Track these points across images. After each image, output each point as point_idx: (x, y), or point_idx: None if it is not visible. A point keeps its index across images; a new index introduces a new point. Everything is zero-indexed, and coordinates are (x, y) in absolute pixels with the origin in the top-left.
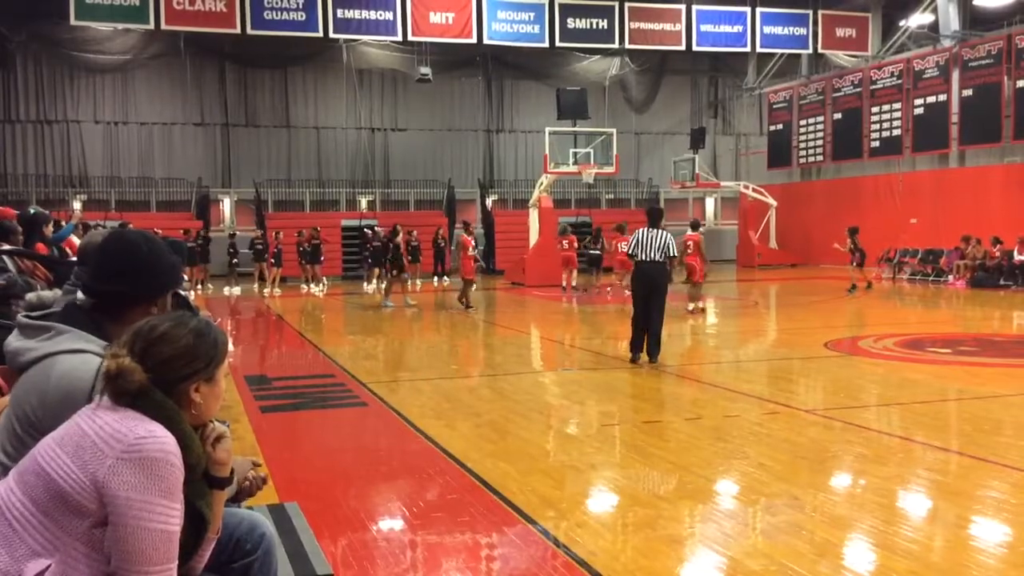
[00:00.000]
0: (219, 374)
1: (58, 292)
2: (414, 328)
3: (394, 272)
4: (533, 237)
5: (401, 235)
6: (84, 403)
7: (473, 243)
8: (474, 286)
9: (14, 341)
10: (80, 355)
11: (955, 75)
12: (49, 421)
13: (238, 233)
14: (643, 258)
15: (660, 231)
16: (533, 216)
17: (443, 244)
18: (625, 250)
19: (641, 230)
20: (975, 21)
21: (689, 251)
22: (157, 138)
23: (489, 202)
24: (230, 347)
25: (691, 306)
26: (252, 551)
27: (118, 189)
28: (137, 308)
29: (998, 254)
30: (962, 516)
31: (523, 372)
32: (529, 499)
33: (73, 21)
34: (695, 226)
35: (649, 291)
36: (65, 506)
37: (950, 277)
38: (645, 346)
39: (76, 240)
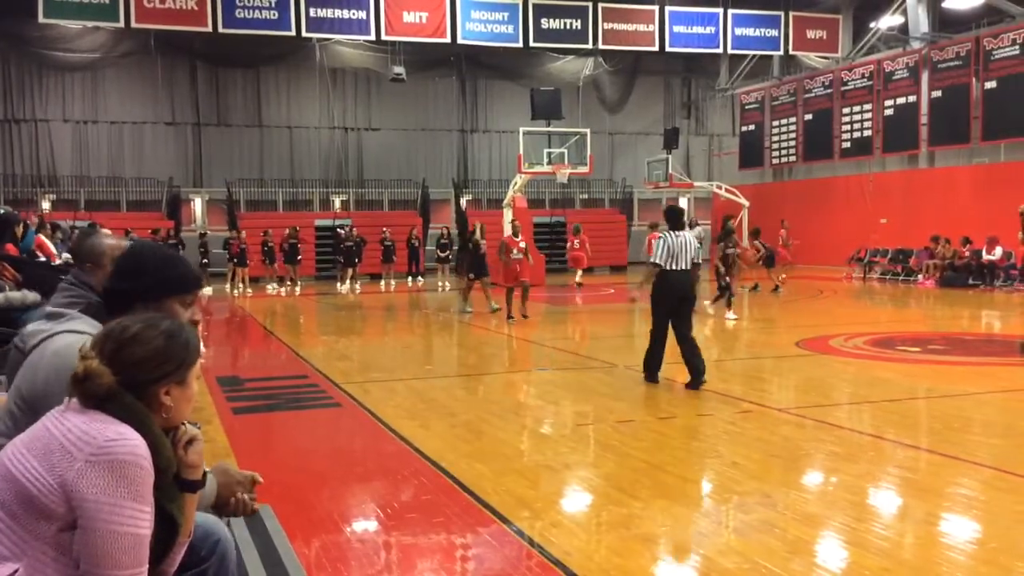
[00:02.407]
0: (191, 376)
1: (27, 293)
2: (388, 328)
3: (471, 276)
4: None
5: (478, 234)
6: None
7: (521, 244)
8: (511, 293)
9: (34, 325)
10: (79, 335)
11: (924, 76)
12: (36, 394)
13: (209, 233)
14: (674, 267)
15: (685, 234)
16: (507, 216)
17: (417, 244)
18: (654, 259)
19: (668, 235)
20: (944, 23)
21: None
22: (127, 137)
23: (463, 202)
24: (202, 348)
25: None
26: (206, 557)
27: (87, 189)
28: (152, 305)
29: (967, 254)
30: (933, 513)
31: (498, 372)
32: (504, 499)
33: (42, 19)
34: (691, 225)
35: (679, 303)
36: (33, 509)
37: (920, 276)
38: (686, 364)
39: (45, 239)
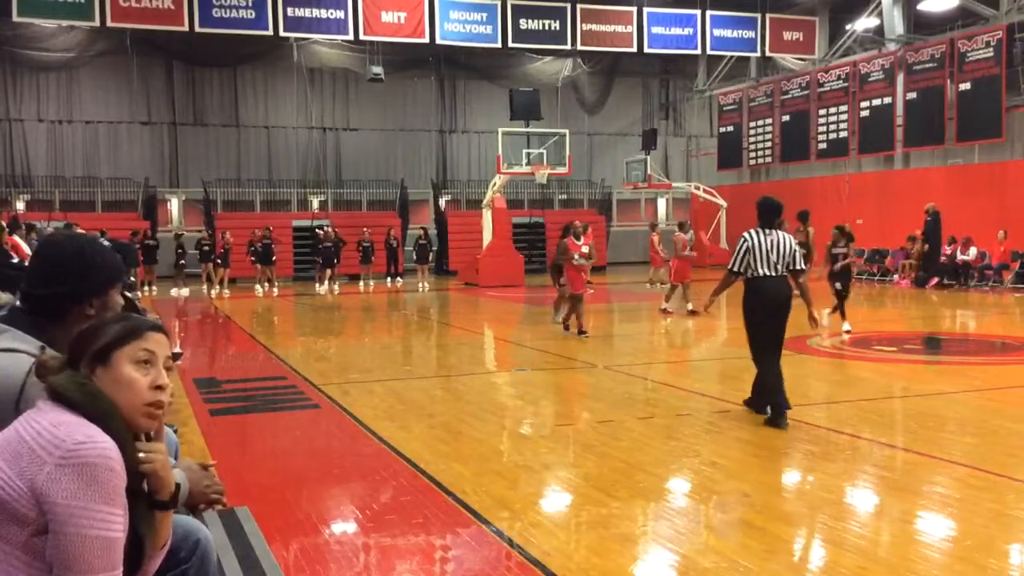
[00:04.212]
0: (117, 358)
1: (0, 294)
2: (366, 329)
3: (561, 283)
4: (486, 238)
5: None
6: (12, 401)
7: (584, 249)
8: (577, 305)
9: None
10: (13, 354)
11: (900, 78)
12: None
13: (186, 233)
14: (765, 273)
15: (779, 233)
16: (486, 217)
17: (395, 244)
18: (730, 265)
19: (753, 234)
20: (919, 25)
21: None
22: (103, 137)
23: (442, 202)
24: (178, 349)
25: (685, 306)
26: (186, 558)
27: (62, 189)
28: (73, 308)
29: (948, 251)
30: (908, 511)
31: (477, 373)
32: (483, 500)
33: (16, 17)
34: (681, 227)
35: (773, 316)
36: (4, 514)
37: (895, 276)
38: (755, 389)
39: (20, 241)
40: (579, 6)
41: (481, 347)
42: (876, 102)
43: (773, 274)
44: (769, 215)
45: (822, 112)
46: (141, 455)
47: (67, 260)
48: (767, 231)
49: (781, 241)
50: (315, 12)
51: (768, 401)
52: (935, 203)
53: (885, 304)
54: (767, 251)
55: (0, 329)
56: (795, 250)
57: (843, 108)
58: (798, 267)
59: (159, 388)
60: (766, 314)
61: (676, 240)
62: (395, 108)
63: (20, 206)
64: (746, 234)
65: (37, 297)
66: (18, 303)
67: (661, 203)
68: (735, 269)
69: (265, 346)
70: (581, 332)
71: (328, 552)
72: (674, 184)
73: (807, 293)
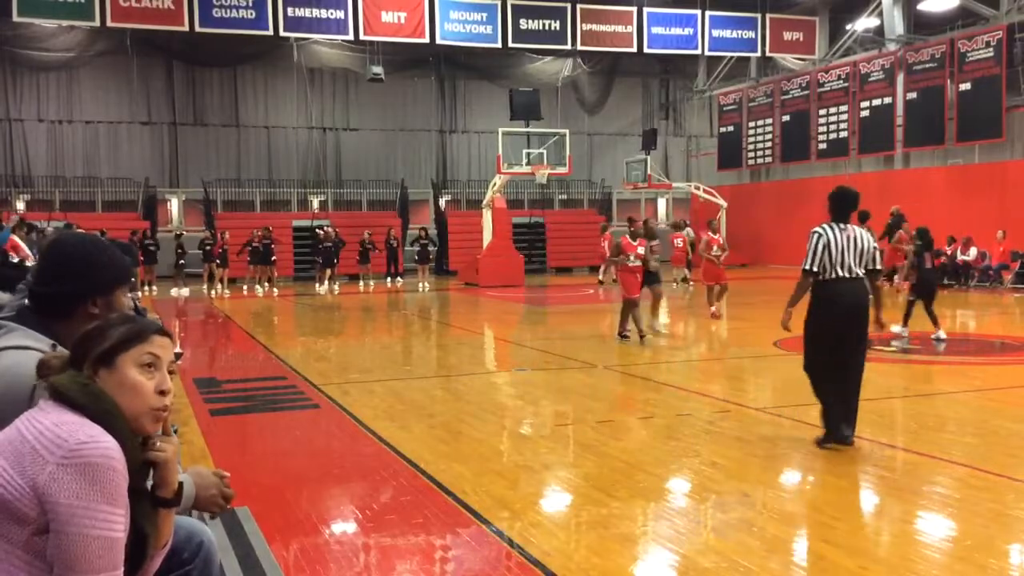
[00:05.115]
0: (122, 362)
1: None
2: (367, 329)
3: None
4: (487, 238)
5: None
6: (25, 398)
7: (640, 250)
8: (631, 309)
9: None
10: (25, 351)
11: (900, 78)
12: None
13: (186, 233)
14: (840, 274)
15: (854, 228)
16: (487, 217)
17: (395, 244)
18: (806, 264)
19: (829, 229)
20: (919, 25)
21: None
22: (103, 137)
23: (442, 202)
24: (178, 349)
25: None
26: (189, 560)
27: (63, 189)
28: (78, 307)
29: (950, 252)
30: (908, 511)
31: (477, 373)
32: (483, 500)
33: (16, 17)
34: (678, 226)
35: (851, 326)
36: (5, 513)
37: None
38: (825, 411)
39: (20, 241)
40: (579, 6)
41: (481, 347)
42: (876, 102)
43: (849, 276)
44: (844, 207)
45: (822, 112)
46: (157, 444)
47: (73, 259)
48: (842, 226)
49: (860, 237)
50: (315, 12)
51: (838, 419)
52: (899, 205)
53: (885, 304)
54: (843, 249)
55: (10, 327)
56: (874, 247)
57: (843, 108)
58: (877, 267)
59: (163, 392)
60: (843, 325)
61: (702, 240)
62: (395, 108)
63: (20, 206)
64: (819, 228)
65: (43, 295)
66: (25, 302)
67: (661, 203)
68: (812, 268)
69: (265, 346)
70: (642, 336)
71: (328, 552)
72: (674, 184)
73: (879, 295)
